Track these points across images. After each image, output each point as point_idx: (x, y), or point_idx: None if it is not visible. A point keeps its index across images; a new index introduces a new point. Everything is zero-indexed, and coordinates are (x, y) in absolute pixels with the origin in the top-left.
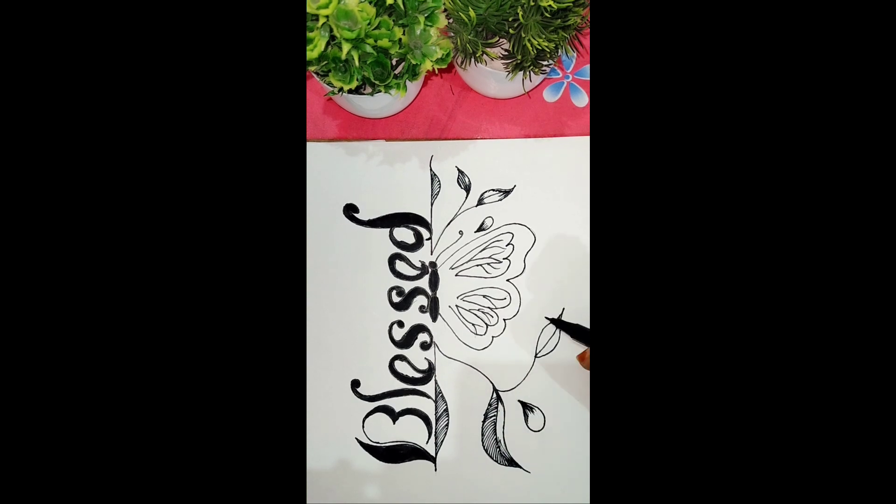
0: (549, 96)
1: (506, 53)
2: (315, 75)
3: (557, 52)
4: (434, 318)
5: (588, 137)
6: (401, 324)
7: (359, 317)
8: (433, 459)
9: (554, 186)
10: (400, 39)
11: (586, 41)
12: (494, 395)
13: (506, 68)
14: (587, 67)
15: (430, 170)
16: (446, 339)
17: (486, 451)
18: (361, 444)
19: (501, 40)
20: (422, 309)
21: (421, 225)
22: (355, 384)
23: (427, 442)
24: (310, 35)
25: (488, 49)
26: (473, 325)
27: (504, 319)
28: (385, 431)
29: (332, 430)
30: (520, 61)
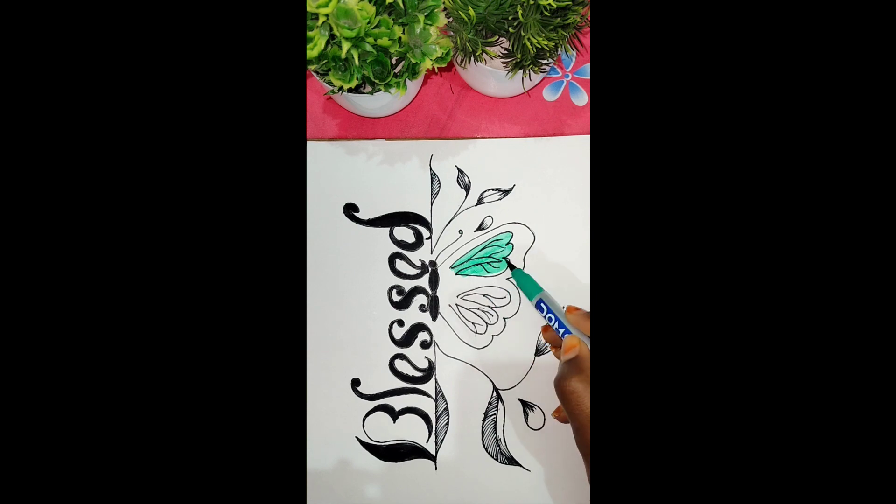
0: (549, 95)
1: (505, 52)
2: (315, 74)
3: (557, 50)
4: (434, 317)
5: (588, 136)
6: (401, 323)
7: (359, 316)
8: (433, 458)
9: (554, 185)
10: (400, 38)
11: (586, 40)
12: (494, 394)
13: (505, 67)
14: (587, 66)
15: (430, 169)
16: (446, 337)
17: (486, 449)
18: (362, 442)
19: (501, 39)
20: (422, 308)
21: (421, 224)
22: (355, 383)
23: (427, 441)
24: (310, 34)
25: (488, 48)
26: (473, 323)
27: (504, 318)
28: (385, 430)
29: (333, 429)
30: (519, 60)
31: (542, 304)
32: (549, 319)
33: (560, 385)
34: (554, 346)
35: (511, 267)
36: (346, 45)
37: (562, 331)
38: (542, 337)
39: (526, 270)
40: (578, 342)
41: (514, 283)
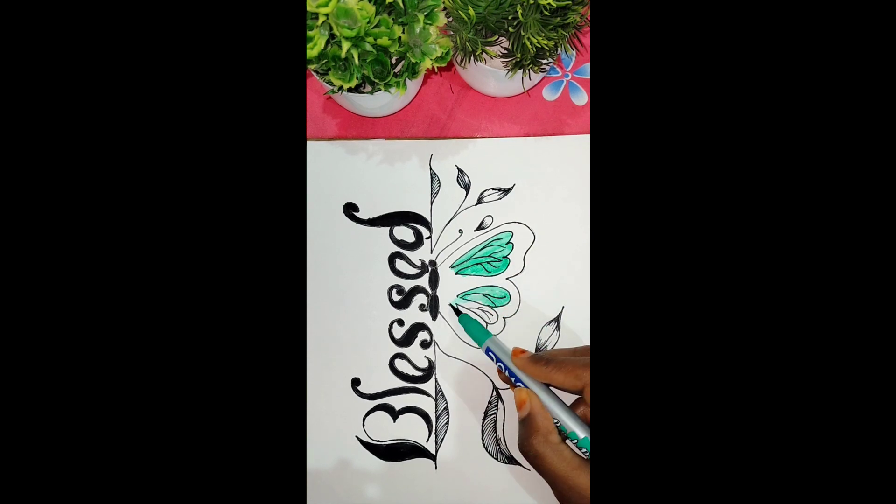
0: (549, 95)
1: (505, 52)
2: (315, 74)
3: (557, 50)
4: (434, 317)
5: (588, 136)
6: (401, 322)
7: (359, 315)
8: (433, 458)
9: (553, 185)
10: (399, 38)
11: (586, 39)
12: (494, 393)
13: (505, 67)
14: (587, 66)
15: (430, 168)
16: (446, 337)
17: (486, 449)
18: (362, 442)
19: (501, 39)
20: (422, 307)
21: (421, 224)
22: (355, 382)
23: (427, 440)
24: (309, 34)
25: (488, 47)
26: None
27: (504, 318)
28: (385, 430)
29: (333, 428)
30: (519, 60)
31: (490, 353)
32: (501, 368)
33: (522, 449)
34: (511, 386)
35: (457, 313)
36: (346, 45)
37: (514, 379)
38: (540, 336)
39: (526, 270)
40: (528, 396)
41: (460, 313)
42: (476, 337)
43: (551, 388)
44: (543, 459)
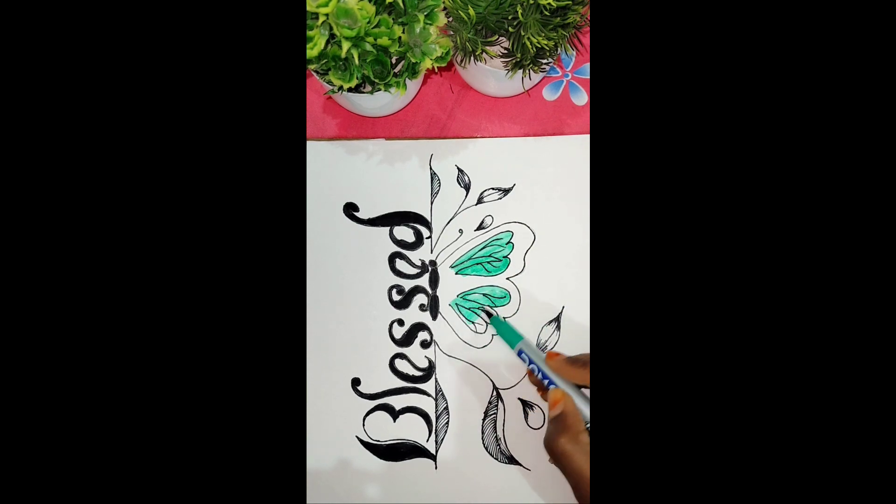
0: (549, 95)
1: (505, 52)
2: (315, 74)
3: (557, 50)
4: (434, 317)
5: (588, 136)
6: (401, 322)
7: (359, 315)
8: (433, 457)
9: (553, 185)
10: (400, 38)
11: (586, 39)
12: (494, 393)
13: (505, 67)
14: (587, 66)
15: (430, 168)
16: (446, 337)
17: (486, 449)
18: (362, 442)
19: (501, 39)
20: (422, 307)
21: (421, 223)
22: (356, 382)
23: (427, 440)
24: (310, 33)
25: (488, 47)
26: (473, 323)
27: (504, 318)
28: (385, 430)
29: (333, 428)
30: (519, 60)
31: (523, 355)
32: (533, 370)
33: (549, 446)
34: (539, 388)
35: (489, 315)
36: (346, 45)
37: (546, 381)
38: (540, 336)
39: (526, 270)
40: (562, 396)
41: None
42: (508, 339)
43: (583, 390)
44: (571, 458)
